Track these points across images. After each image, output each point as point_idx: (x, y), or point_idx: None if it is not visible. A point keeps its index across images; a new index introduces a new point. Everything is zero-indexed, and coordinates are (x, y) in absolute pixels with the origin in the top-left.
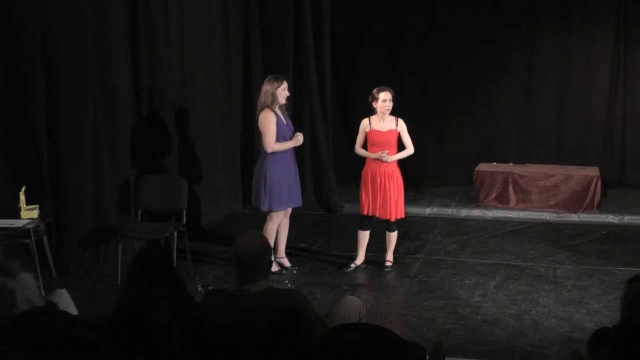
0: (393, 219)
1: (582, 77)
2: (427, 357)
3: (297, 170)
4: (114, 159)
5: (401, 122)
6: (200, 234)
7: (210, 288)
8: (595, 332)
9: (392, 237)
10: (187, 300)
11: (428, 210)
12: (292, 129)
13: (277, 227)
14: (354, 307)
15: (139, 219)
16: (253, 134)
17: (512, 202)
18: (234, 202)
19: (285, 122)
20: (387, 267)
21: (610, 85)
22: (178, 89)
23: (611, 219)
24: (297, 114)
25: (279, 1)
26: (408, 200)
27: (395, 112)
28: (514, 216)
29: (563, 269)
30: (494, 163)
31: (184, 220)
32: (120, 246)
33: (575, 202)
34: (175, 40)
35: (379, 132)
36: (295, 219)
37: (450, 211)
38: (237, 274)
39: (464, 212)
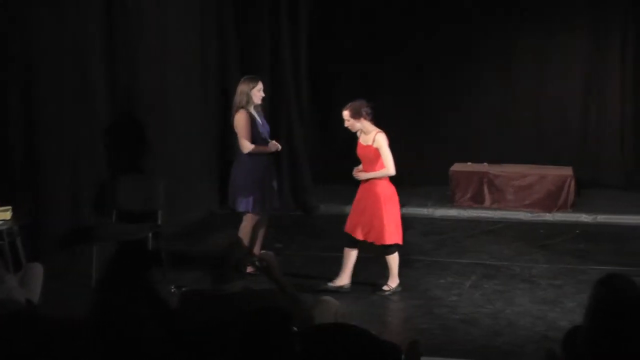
0: (377, 243)
1: (558, 78)
2: (403, 356)
3: (274, 171)
4: (89, 160)
5: (379, 137)
6: (176, 234)
7: (184, 289)
8: (569, 330)
9: (388, 260)
10: (162, 301)
11: (403, 210)
12: (268, 129)
13: (254, 229)
14: (330, 307)
15: (115, 220)
16: (229, 135)
17: (487, 202)
18: (210, 202)
19: (261, 122)
20: (382, 290)
21: (585, 87)
22: (154, 89)
23: (585, 218)
24: (273, 115)
25: (254, 2)
26: None
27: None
28: (489, 216)
29: (538, 268)
30: (469, 163)
31: (160, 221)
32: (95, 247)
33: (550, 202)
34: (151, 41)
35: (360, 145)
36: (271, 220)
37: (426, 211)
38: (210, 274)
39: (439, 212)
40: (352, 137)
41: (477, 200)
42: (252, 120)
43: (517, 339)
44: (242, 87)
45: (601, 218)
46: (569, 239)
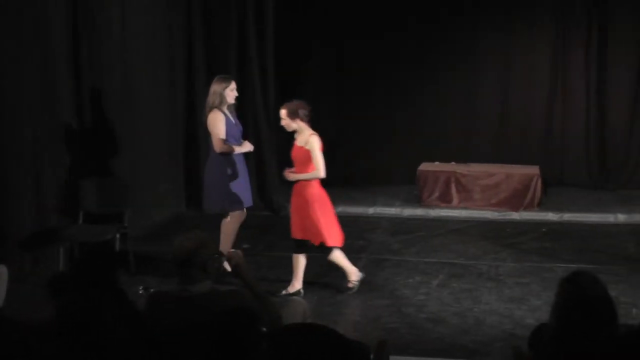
0: (317, 243)
1: (523, 78)
2: (372, 356)
3: (246, 169)
4: (54, 161)
5: (312, 139)
6: (143, 236)
7: (152, 290)
8: (535, 328)
9: (332, 260)
10: (130, 303)
11: (371, 210)
12: (241, 128)
13: (226, 228)
14: (298, 308)
15: (81, 221)
16: (196, 135)
17: (455, 201)
18: (177, 203)
19: (234, 122)
20: (348, 289)
21: (550, 86)
22: (120, 89)
23: (551, 216)
24: (240, 114)
25: (221, 2)
26: (351, 200)
27: (340, 113)
28: (457, 215)
29: (505, 266)
30: (437, 163)
31: (126, 223)
32: (61, 249)
33: (516, 201)
34: (117, 40)
35: (294, 146)
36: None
37: (393, 210)
38: (178, 274)
39: (407, 212)
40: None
41: (445, 199)
42: (225, 120)
43: (484, 337)
44: (215, 87)
45: (567, 216)
46: (536, 237)
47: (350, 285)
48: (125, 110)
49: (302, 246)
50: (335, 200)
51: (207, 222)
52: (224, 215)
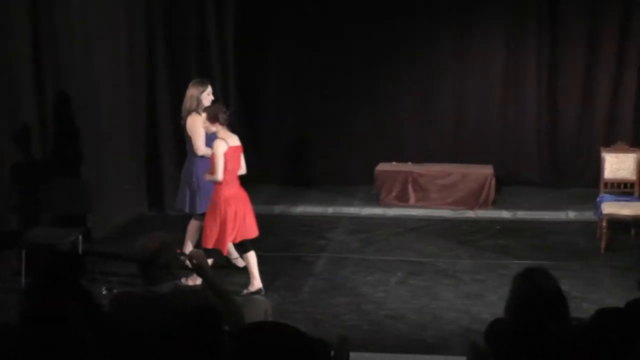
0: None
1: (477, 80)
2: (332, 353)
3: None
4: (15, 163)
5: (215, 144)
6: (105, 237)
7: (115, 291)
8: (491, 322)
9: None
10: (94, 304)
11: (331, 210)
12: None
13: (192, 230)
14: (260, 306)
15: (43, 223)
16: (158, 136)
17: (412, 200)
18: (139, 204)
19: None
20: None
21: (503, 88)
22: (81, 90)
23: (505, 214)
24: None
25: (182, 6)
26: (311, 199)
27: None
28: (414, 214)
29: (461, 263)
30: (394, 163)
31: (89, 224)
32: (23, 252)
33: (472, 199)
34: (78, 41)
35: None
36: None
37: (352, 210)
38: (141, 275)
39: (365, 211)
40: (279, 139)
41: (402, 198)
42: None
43: (442, 332)
44: (191, 91)
45: (520, 214)
46: (491, 235)
47: (252, 288)
48: (87, 111)
49: (243, 245)
50: (295, 201)
51: (169, 222)
52: (194, 215)
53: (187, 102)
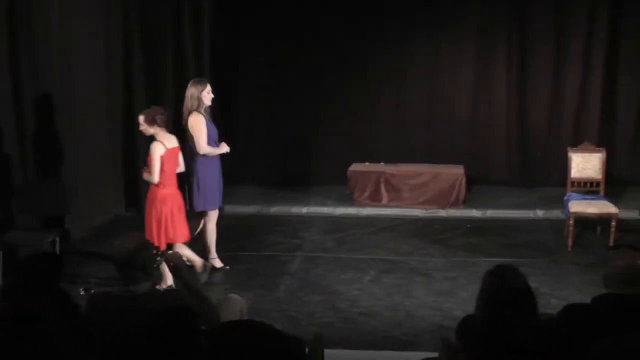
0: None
1: (448, 81)
2: (307, 350)
3: (221, 171)
4: None
5: (153, 146)
6: (83, 238)
7: (92, 291)
8: (462, 319)
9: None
10: (71, 305)
11: (305, 210)
12: (217, 130)
13: (207, 228)
14: (236, 305)
15: (21, 224)
16: (134, 137)
17: (385, 200)
18: (116, 205)
19: (211, 124)
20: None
21: (474, 90)
22: (59, 92)
23: (475, 213)
24: (176, 119)
25: (159, 9)
26: (286, 200)
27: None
28: (387, 213)
29: (433, 261)
30: (367, 163)
31: (67, 225)
32: (1, 253)
33: (443, 199)
34: (55, 42)
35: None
36: None
37: (326, 210)
38: (118, 275)
39: (339, 211)
40: (254, 140)
41: (375, 198)
42: (205, 122)
43: (415, 329)
44: (191, 91)
45: (490, 213)
46: (462, 233)
47: (164, 286)
48: (64, 112)
49: (169, 247)
50: (270, 201)
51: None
52: (203, 215)
53: (188, 102)
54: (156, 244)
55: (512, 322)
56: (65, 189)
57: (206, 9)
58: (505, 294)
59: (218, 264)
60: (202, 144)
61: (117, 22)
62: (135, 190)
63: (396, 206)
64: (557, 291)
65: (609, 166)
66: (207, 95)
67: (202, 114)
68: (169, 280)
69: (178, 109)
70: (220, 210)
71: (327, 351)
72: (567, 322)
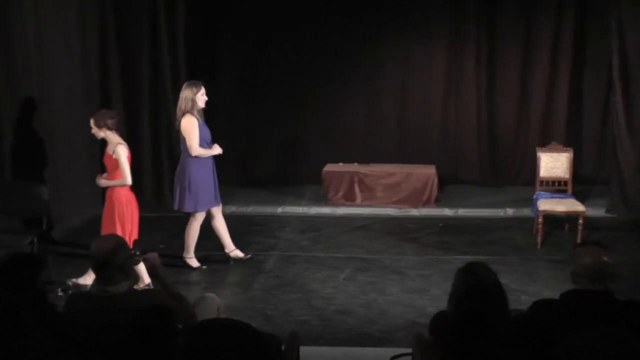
0: None
1: (420, 84)
2: (283, 347)
3: (215, 171)
4: None
5: (118, 149)
6: (62, 239)
7: (70, 292)
8: (435, 315)
9: None
10: (49, 305)
11: (280, 209)
12: (209, 132)
13: (216, 225)
14: (212, 304)
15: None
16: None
17: (358, 200)
18: (95, 206)
19: (205, 126)
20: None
21: (445, 92)
22: (37, 93)
23: (447, 212)
24: (154, 121)
25: (134, 6)
26: (262, 200)
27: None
28: (361, 212)
29: (407, 259)
30: (341, 164)
31: (45, 226)
32: None
33: (416, 198)
34: (32, 44)
35: (105, 154)
36: (154, 223)
37: (301, 209)
38: (96, 276)
39: (314, 210)
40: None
41: (349, 198)
42: (198, 124)
43: (389, 325)
44: (186, 93)
45: (462, 212)
46: (434, 232)
47: (141, 285)
48: (42, 113)
49: None
50: (246, 201)
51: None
52: (192, 215)
53: (182, 104)
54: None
55: (483, 318)
56: (43, 191)
57: (180, 5)
58: (476, 290)
59: (195, 263)
60: (194, 146)
61: (92, 20)
62: None
63: (370, 205)
64: (527, 287)
65: (576, 166)
66: (202, 98)
67: (195, 116)
68: (145, 279)
69: (153, 108)
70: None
71: (302, 348)
72: (536, 317)
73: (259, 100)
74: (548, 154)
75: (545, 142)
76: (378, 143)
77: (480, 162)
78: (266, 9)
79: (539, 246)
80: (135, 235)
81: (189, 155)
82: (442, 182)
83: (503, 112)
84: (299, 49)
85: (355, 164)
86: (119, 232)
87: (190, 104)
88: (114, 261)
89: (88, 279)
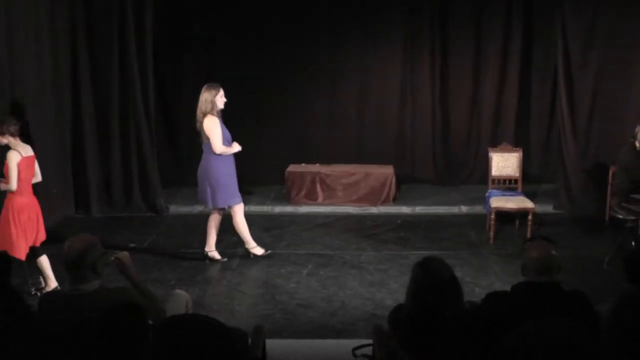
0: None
1: (378, 89)
2: (250, 340)
3: (235, 168)
4: None
5: (9, 155)
6: None
7: (44, 291)
8: (393, 308)
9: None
10: (23, 305)
11: (245, 208)
12: (228, 131)
13: (213, 222)
14: (181, 300)
15: None
16: (83, 140)
17: (320, 199)
18: (66, 207)
19: (224, 125)
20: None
21: (401, 96)
22: (7, 95)
23: (404, 209)
24: (122, 120)
25: (104, 12)
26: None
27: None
28: (322, 211)
29: (366, 255)
30: (303, 164)
31: None
32: None
33: (374, 197)
34: (2, 46)
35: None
36: (123, 222)
37: (265, 208)
38: (68, 275)
39: (278, 209)
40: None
41: (311, 197)
42: (220, 123)
43: (349, 318)
44: (205, 95)
45: (418, 209)
46: (392, 228)
47: (48, 288)
48: (13, 114)
49: (35, 250)
50: None
51: (96, 224)
52: (215, 210)
53: (202, 105)
54: (15, 252)
55: (439, 310)
56: None
57: (149, 7)
58: (432, 283)
59: (259, 251)
60: (218, 144)
61: (62, 20)
62: (85, 192)
63: (331, 204)
64: (480, 280)
65: (525, 165)
66: (220, 99)
67: (217, 117)
68: (52, 283)
69: (122, 109)
70: (165, 210)
71: (268, 341)
72: (489, 308)
73: (226, 103)
74: (499, 154)
75: (496, 143)
76: (339, 145)
77: (435, 162)
78: (231, 10)
79: (491, 241)
80: (42, 237)
81: (213, 153)
82: (400, 181)
83: (456, 115)
84: (264, 54)
85: (317, 164)
86: (14, 237)
87: (210, 105)
88: (85, 261)
89: (52, 284)
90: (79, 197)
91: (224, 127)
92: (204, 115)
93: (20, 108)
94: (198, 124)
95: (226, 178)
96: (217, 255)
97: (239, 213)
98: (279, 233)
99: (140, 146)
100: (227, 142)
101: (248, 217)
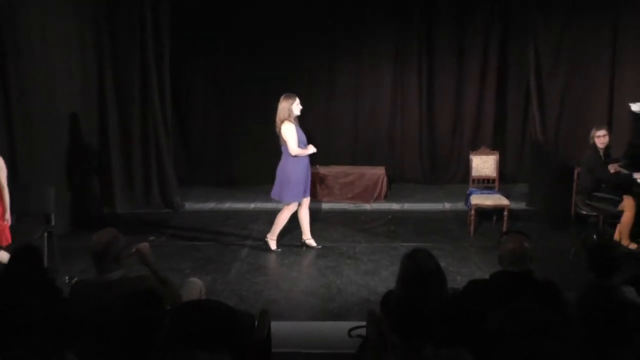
0: None
1: (370, 96)
2: (256, 323)
3: (309, 168)
4: None
5: None
6: (64, 234)
7: (75, 279)
8: (385, 294)
9: None
10: (57, 291)
11: (252, 205)
12: (304, 134)
13: (300, 215)
14: (195, 286)
15: (14, 221)
16: (108, 145)
17: (319, 196)
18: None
19: (300, 130)
20: None
21: (392, 101)
22: (44, 103)
23: (394, 206)
24: (143, 126)
25: (127, 29)
26: (236, 197)
27: (223, 125)
28: (321, 207)
29: (360, 247)
30: None
31: (53, 222)
32: None
33: (368, 195)
34: (38, 59)
35: None
36: (144, 217)
37: (270, 205)
38: (95, 265)
39: (282, 205)
40: (206, 144)
41: (311, 195)
42: (296, 129)
43: (346, 303)
44: (283, 104)
45: (407, 206)
46: (383, 223)
47: None
48: (44, 128)
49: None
50: (222, 198)
51: (120, 220)
52: (286, 204)
53: (280, 113)
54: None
55: (425, 295)
56: (50, 191)
57: (165, 21)
58: (419, 272)
59: (274, 246)
60: (294, 147)
61: (89, 36)
62: (111, 191)
63: (329, 201)
64: (461, 269)
65: (501, 166)
66: (297, 107)
67: (292, 123)
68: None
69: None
70: (181, 207)
71: (273, 323)
72: (470, 294)
73: (230, 107)
74: (478, 156)
75: (476, 147)
76: (336, 148)
77: (422, 164)
78: (240, 22)
79: (471, 235)
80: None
81: (290, 155)
82: (391, 180)
83: (441, 122)
84: (265, 61)
85: (317, 166)
86: None
87: (287, 113)
88: (109, 252)
89: None
90: (105, 196)
91: (300, 131)
92: (282, 121)
93: (60, 120)
94: (277, 130)
95: (297, 177)
96: (312, 243)
97: (304, 206)
98: (284, 227)
99: (159, 150)
100: (302, 145)
101: (254, 212)
